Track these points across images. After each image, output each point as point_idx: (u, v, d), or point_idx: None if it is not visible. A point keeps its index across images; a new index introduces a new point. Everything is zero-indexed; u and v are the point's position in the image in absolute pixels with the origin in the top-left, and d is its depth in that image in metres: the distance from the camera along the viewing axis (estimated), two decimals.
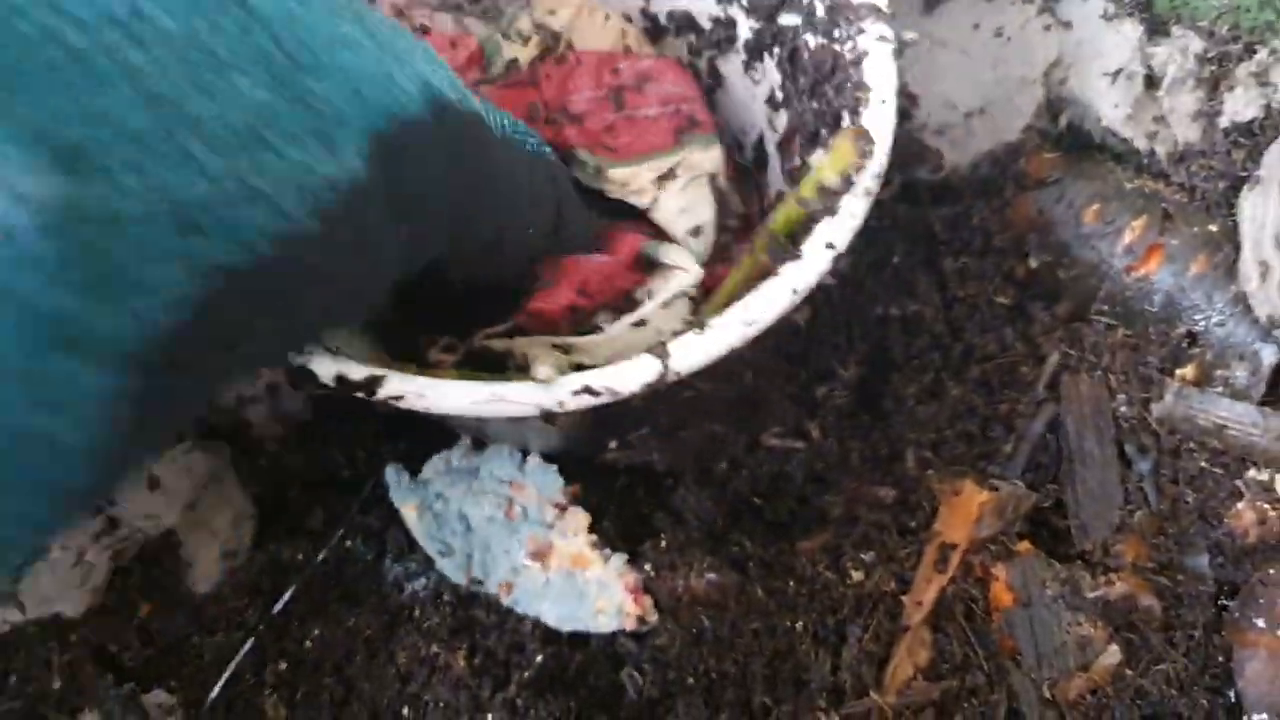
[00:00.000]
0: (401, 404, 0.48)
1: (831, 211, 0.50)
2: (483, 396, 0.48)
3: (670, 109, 0.67)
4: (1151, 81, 0.66)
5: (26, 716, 0.66)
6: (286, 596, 0.70)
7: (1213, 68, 0.67)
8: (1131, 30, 0.65)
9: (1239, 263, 0.61)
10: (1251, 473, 0.62)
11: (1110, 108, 0.65)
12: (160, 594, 0.70)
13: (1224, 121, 0.66)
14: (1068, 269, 0.66)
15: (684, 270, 0.62)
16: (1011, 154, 0.68)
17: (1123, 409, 0.65)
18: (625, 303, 0.62)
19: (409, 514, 0.68)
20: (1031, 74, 0.67)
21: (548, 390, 0.48)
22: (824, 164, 0.52)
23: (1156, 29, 0.68)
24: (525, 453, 0.69)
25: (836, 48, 0.57)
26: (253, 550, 0.71)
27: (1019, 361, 0.67)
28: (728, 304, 0.51)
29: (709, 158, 0.66)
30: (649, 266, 0.63)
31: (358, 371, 0.48)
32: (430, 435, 0.70)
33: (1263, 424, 0.61)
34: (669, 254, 0.62)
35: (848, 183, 0.51)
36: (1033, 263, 0.67)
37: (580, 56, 0.66)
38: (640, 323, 0.60)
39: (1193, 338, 0.64)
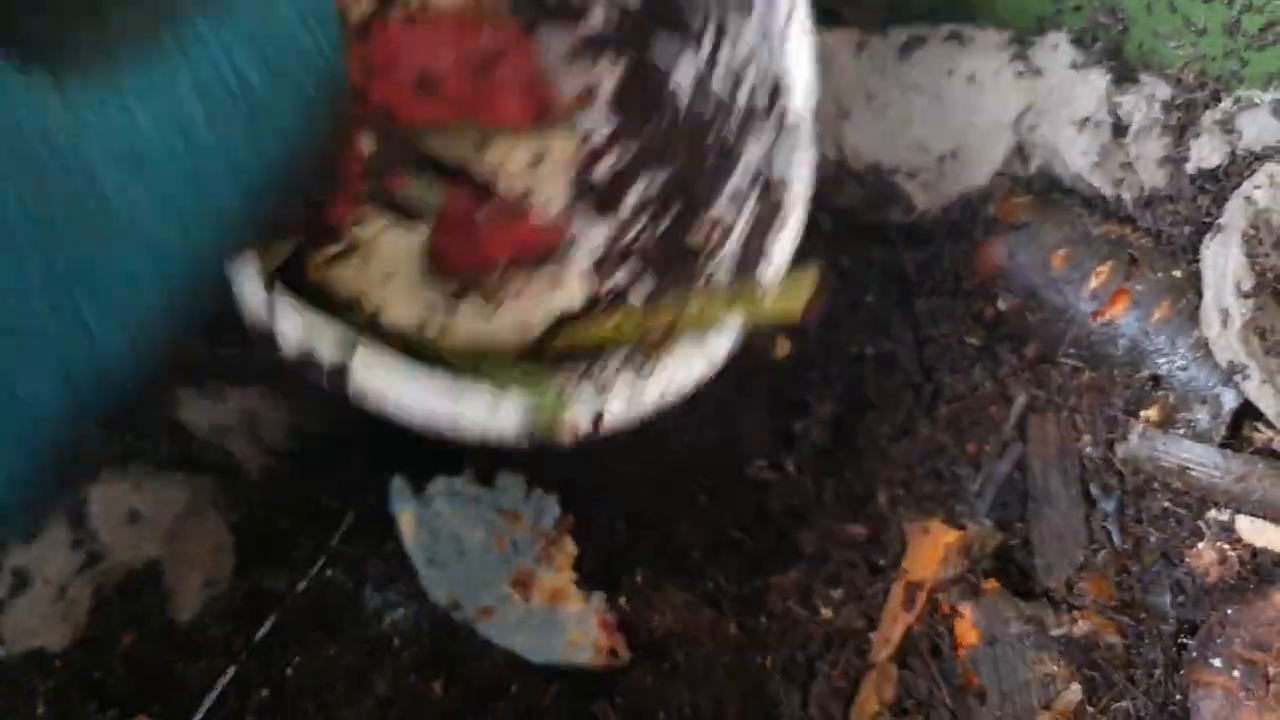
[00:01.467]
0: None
1: None
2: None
3: (520, 90, 0.66)
4: (1119, 129, 0.68)
5: None
6: (268, 625, 0.71)
7: (1180, 115, 0.69)
8: (1099, 79, 0.67)
9: (1201, 309, 0.63)
10: (1212, 513, 0.64)
11: (1078, 155, 0.67)
12: (142, 623, 0.71)
13: (1190, 168, 0.68)
14: (1035, 312, 0.68)
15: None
16: (982, 198, 0.70)
17: (1088, 450, 0.66)
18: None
19: (405, 522, 0.69)
20: (1003, 120, 0.68)
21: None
22: (770, 296, 0.54)
23: (1125, 76, 0.70)
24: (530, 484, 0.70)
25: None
26: (234, 579, 0.72)
27: (988, 402, 0.68)
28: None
29: (569, 148, 0.67)
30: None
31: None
32: (423, 463, 0.72)
33: (1223, 466, 0.63)
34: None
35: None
36: (1002, 305, 0.68)
37: (442, 21, 0.64)
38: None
39: (1156, 381, 0.65)
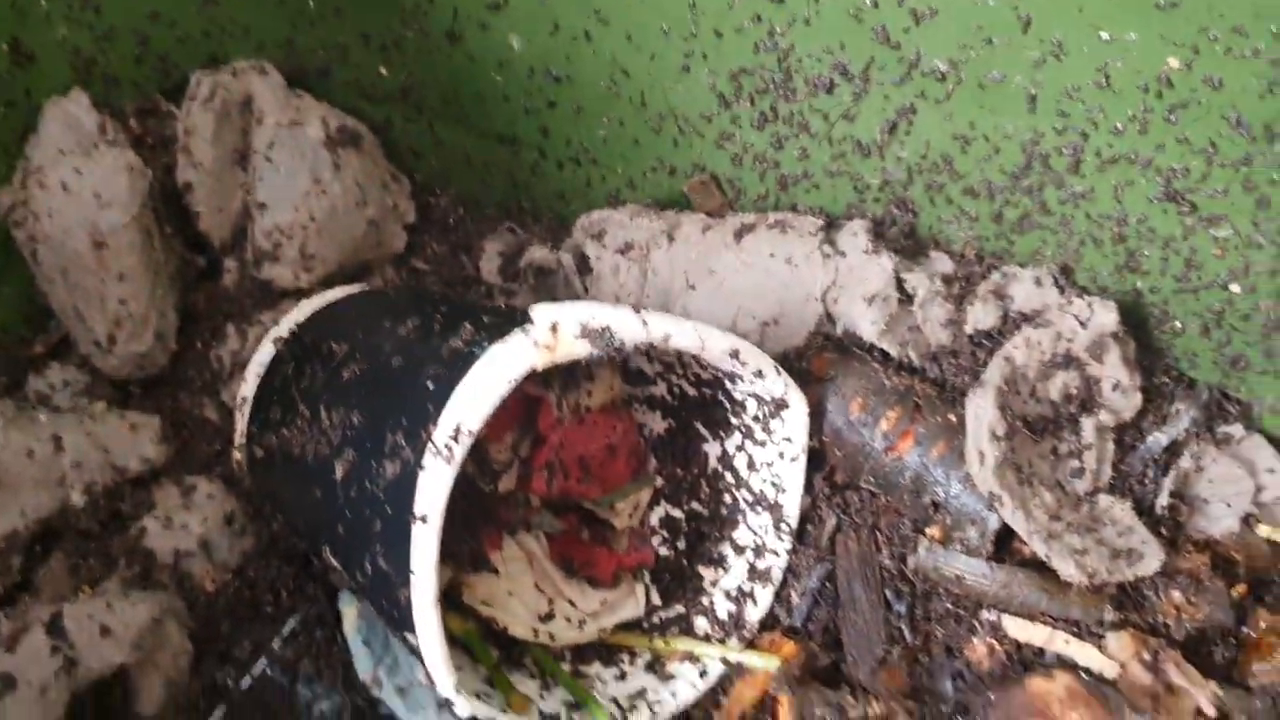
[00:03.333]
0: None
1: None
2: None
3: (629, 455, 0.86)
4: (906, 299, 0.83)
5: None
6: (217, 716, 0.85)
7: (960, 285, 0.84)
8: (888, 261, 0.82)
9: (965, 449, 0.78)
10: (984, 613, 0.78)
11: (868, 324, 0.82)
12: (111, 714, 0.84)
13: (969, 329, 0.83)
14: (840, 449, 0.83)
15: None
16: (798, 355, 0.85)
17: (885, 561, 0.81)
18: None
19: (348, 614, 0.83)
20: (814, 293, 0.83)
21: None
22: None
23: (916, 253, 0.86)
24: None
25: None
26: (191, 678, 0.86)
27: (805, 520, 0.83)
28: None
29: (645, 493, 0.86)
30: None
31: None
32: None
33: (990, 575, 0.77)
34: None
35: None
36: (814, 444, 0.83)
37: (595, 418, 0.83)
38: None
39: (936, 506, 0.80)
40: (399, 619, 0.65)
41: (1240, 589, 0.84)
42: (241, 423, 0.87)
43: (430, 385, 0.65)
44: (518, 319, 0.64)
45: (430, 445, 0.61)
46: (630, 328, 0.65)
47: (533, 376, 0.65)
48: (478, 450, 0.76)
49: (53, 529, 0.84)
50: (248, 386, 0.87)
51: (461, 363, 0.64)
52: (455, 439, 0.60)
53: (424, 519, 0.60)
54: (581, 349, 0.64)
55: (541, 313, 0.63)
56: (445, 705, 0.81)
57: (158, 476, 0.88)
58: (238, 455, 0.87)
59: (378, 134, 0.99)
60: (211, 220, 0.92)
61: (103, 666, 0.80)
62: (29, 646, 0.80)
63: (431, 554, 0.60)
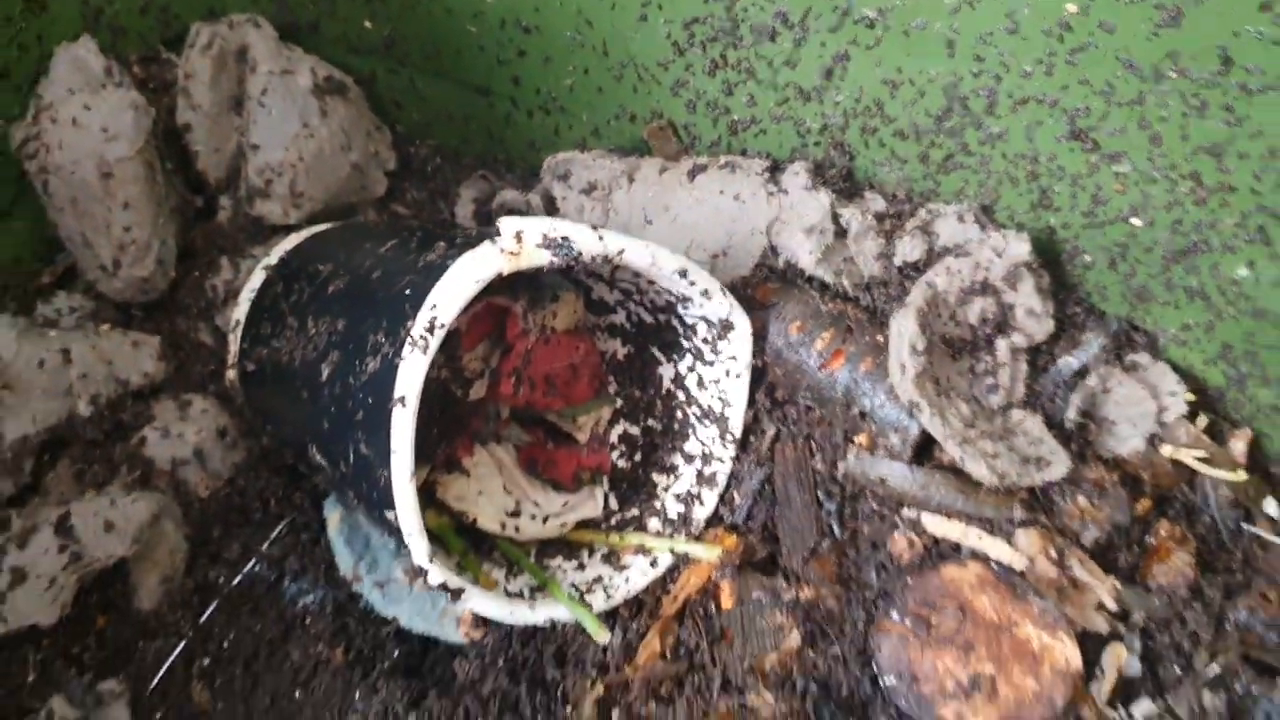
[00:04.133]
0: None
1: None
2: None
3: (592, 376, 0.94)
4: (841, 233, 0.91)
5: (8, 703, 0.87)
6: (210, 610, 0.92)
7: (891, 221, 0.93)
8: (825, 198, 0.91)
9: (889, 363, 0.86)
10: (905, 512, 0.86)
11: (807, 255, 0.90)
12: (113, 609, 0.91)
13: (898, 261, 0.91)
14: (780, 367, 0.91)
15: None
16: (744, 285, 0.93)
17: (818, 466, 0.89)
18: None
19: (332, 517, 0.90)
20: (759, 227, 0.92)
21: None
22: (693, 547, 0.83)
23: (854, 192, 0.94)
24: None
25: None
26: (185, 576, 0.93)
27: (748, 431, 0.91)
28: None
29: (605, 411, 0.94)
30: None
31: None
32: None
33: (911, 477, 0.86)
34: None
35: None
36: (757, 363, 0.91)
37: (560, 339, 0.91)
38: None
39: (864, 415, 0.88)
40: (379, 499, 0.73)
41: (1145, 503, 0.92)
42: (234, 344, 0.95)
43: (408, 291, 0.73)
44: (488, 234, 0.72)
45: (408, 338, 0.68)
46: (587, 240, 0.73)
47: (501, 288, 0.73)
48: (453, 360, 0.84)
49: (60, 437, 0.92)
50: (240, 310, 0.94)
51: (436, 271, 0.72)
52: (430, 331, 0.68)
53: (403, 401, 0.68)
54: (543, 257, 0.72)
55: (507, 224, 0.71)
56: (420, 574, 0.89)
57: (157, 392, 0.96)
58: (231, 374, 0.95)
59: (362, 86, 1.07)
60: (208, 159, 0.99)
61: (105, 558, 0.88)
62: (38, 543, 0.87)
63: (409, 433, 0.68)
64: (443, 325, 0.68)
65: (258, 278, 0.94)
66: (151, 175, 0.92)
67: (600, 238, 0.73)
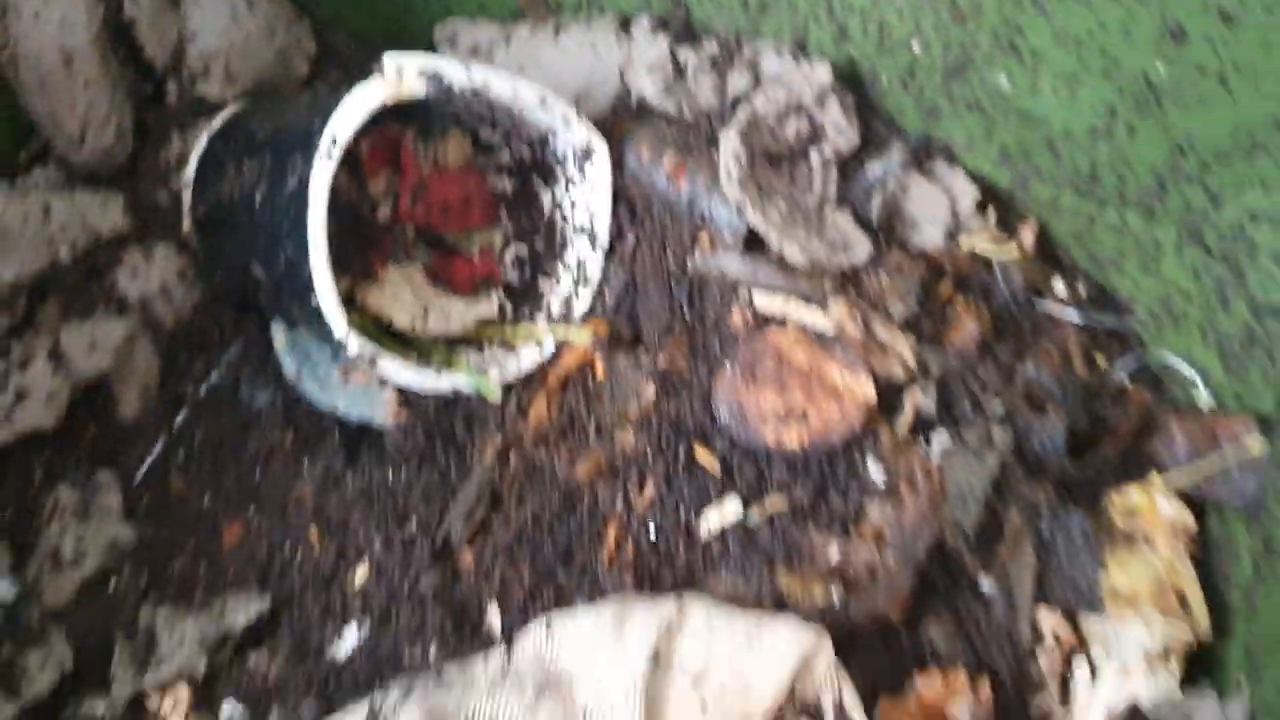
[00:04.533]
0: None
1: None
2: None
3: (484, 207, 1.12)
4: (680, 72, 1.11)
5: (22, 498, 1.07)
6: (182, 415, 1.12)
7: (723, 59, 1.12)
8: (664, 42, 1.10)
9: (719, 172, 1.06)
10: (740, 294, 1.07)
11: (652, 90, 1.10)
12: (100, 419, 1.11)
13: (729, 92, 1.11)
14: (636, 187, 1.10)
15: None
16: (604, 121, 1.13)
17: (671, 265, 1.09)
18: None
19: (279, 335, 1.09)
20: (612, 71, 1.11)
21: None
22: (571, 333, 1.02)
23: (693, 39, 1.14)
24: None
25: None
26: (158, 390, 1.13)
27: (613, 240, 1.11)
28: None
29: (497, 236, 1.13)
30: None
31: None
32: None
33: (742, 266, 1.06)
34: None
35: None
36: (618, 184, 1.10)
37: (452, 174, 1.10)
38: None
39: (704, 220, 1.08)
40: (304, 289, 0.92)
41: (947, 288, 1.13)
42: (187, 200, 1.13)
43: (315, 123, 0.92)
44: (375, 70, 0.91)
45: (316, 154, 0.88)
46: (457, 73, 0.92)
47: (394, 121, 0.91)
48: (360, 186, 1.03)
49: (47, 280, 1.10)
50: (189, 171, 1.13)
51: (337, 104, 0.91)
52: (333, 144, 0.87)
53: (314, 203, 0.87)
54: (420, 87, 0.91)
55: (389, 59, 0.90)
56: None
57: (125, 242, 1.14)
58: (186, 225, 1.14)
59: None
60: (154, 49, 1.17)
61: (91, 371, 1.07)
62: (35, 366, 1.06)
63: (320, 222, 0.87)
64: (340, 142, 0.87)
65: (202, 143, 1.13)
66: (106, 59, 1.11)
67: (467, 71, 0.93)
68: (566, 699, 0.84)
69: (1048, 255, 1.17)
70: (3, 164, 1.16)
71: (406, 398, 1.06)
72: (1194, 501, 1.06)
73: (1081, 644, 1.01)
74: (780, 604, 0.94)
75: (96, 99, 1.09)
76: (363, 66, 1.23)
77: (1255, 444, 0.98)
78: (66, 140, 1.11)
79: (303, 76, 1.25)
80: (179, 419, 1.10)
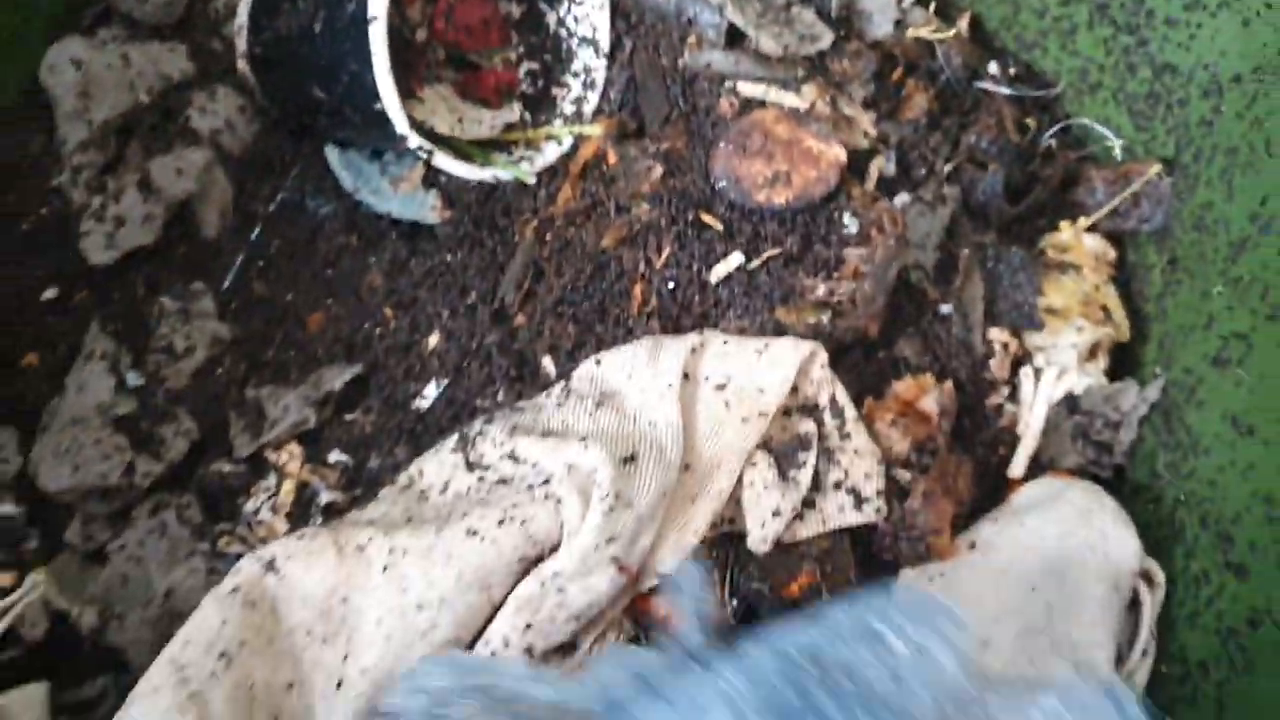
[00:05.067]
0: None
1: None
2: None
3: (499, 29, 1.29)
4: None
5: (130, 309, 1.25)
6: (257, 229, 1.30)
7: None
8: None
9: None
10: (726, 84, 1.26)
11: None
12: (189, 237, 1.29)
13: None
14: (635, 5, 1.29)
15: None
16: None
17: (664, 64, 1.28)
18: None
19: (332, 154, 1.27)
20: None
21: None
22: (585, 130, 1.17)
23: None
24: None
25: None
26: (234, 211, 1.31)
27: (614, 47, 1.29)
28: None
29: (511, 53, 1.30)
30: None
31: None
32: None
33: (726, 59, 1.25)
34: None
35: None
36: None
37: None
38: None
39: (690, 22, 1.27)
40: (368, 98, 1.10)
41: (899, 72, 1.32)
42: (240, 44, 1.30)
43: None
44: None
45: None
46: None
47: None
48: (400, 11, 1.20)
49: (130, 122, 1.28)
50: (240, 18, 1.30)
51: None
52: None
53: (374, 19, 1.05)
54: None
55: None
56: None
57: (190, 85, 1.31)
58: (241, 65, 1.31)
59: None
60: None
61: (180, 195, 1.24)
62: (129, 196, 1.24)
63: (383, 39, 1.05)
64: None
65: None
66: None
67: None
68: (619, 407, 1.05)
69: (982, 41, 1.36)
70: (70, 24, 1.32)
71: (449, 198, 1.25)
72: (1114, 237, 1.28)
73: (1026, 354, 1.23)
74: (780, 333, 1.14)
75: None
76: None
77: (1155, 171, 1.19)
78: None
79: None
80: (255, 233, 1.27)
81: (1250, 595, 0.99)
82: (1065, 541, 1.05)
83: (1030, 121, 1.33)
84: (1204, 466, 1.08)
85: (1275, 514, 0.98)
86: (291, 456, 1.16)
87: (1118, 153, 1.29)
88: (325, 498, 1.13)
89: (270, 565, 0.96)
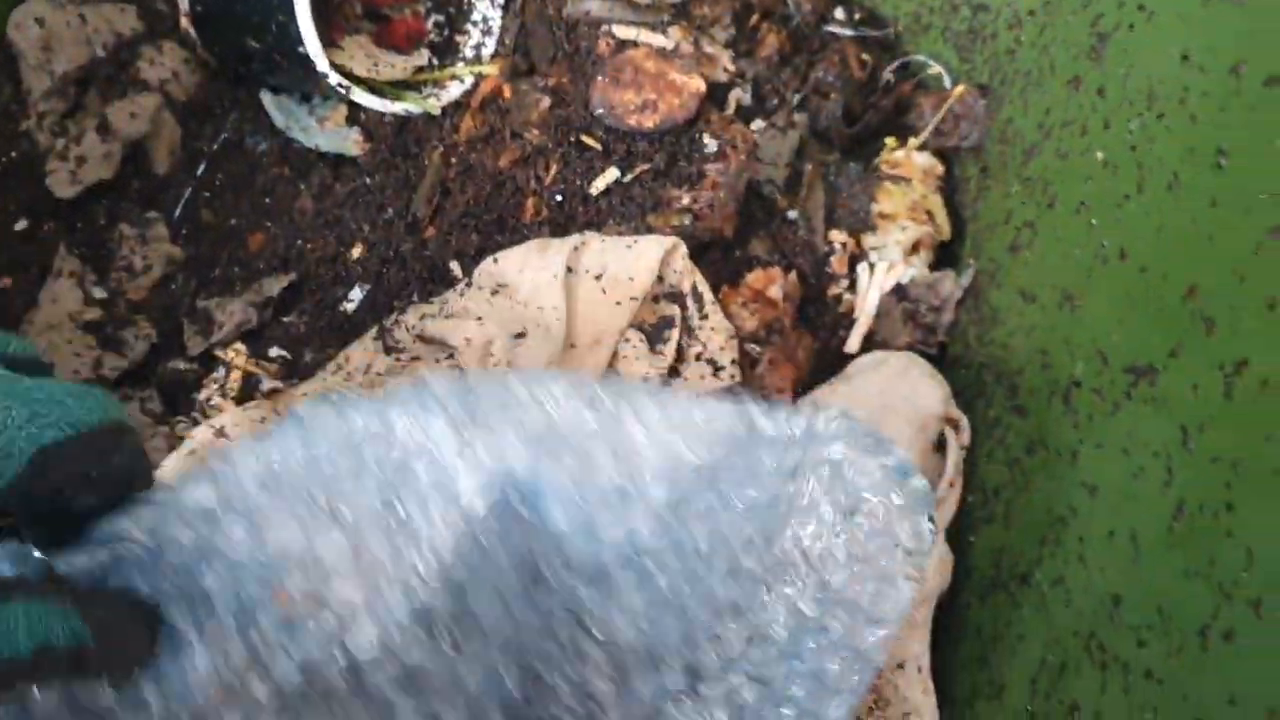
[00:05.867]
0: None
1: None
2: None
3: None
4: None
5: (93, 238, 1.44)
6: (203, 165, 1.49)
7: None
8: None
9: None
10: (603, 28, 1.46)
11: None
12: (142, 173, 1.48)
13: None
14: None
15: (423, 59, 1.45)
16: None
17: (550, 13, 1.48)
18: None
19: (267, 98, 1.47)
20: None
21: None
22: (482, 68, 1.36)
23: None
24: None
25: None
26: (181, 149, 1.50)
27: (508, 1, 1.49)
28: None
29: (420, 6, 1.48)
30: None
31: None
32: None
33: (601, 6, 1.46)
34: None
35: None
36: None
37: None
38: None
39: None
40: (294, 44, 1.29)
41: (756, 17, 1.53)
42: (183, 3, 1.49)
43: None
44: None
45: None
46: None
47: None
48: None
49: (88, 74, 1.46)
50: None
51: None
52: None
53: None
54: None
55: None
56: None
57: (140, 42, 1.50)
58: (184, 23, 1.50)
59: None
60: None
61: (135, 134, 1.43)
62: (89, 138, 1.42)
63: None
64: None
65: None
66: None
67: None
68: (512, 295, 1.26)
69: None
70: None
71: (368, 133, 1.45)
72: (942, 155, 1.49)
73: (862, 253, 1.45)
74: (650, 234, 1.35)
75: None
76: None
77: (959, 92, 1.41)
78: None
79: None
80: (200, 168, 1.46)
81: (1028, 429, 1.21)
82: (883, 395, 1.26)
83: (870, 58, 1.54)
84: (1000, 334, 1.30)
85: (1048, 363, 1.20)
86: (238, 353, 1.35)
87: (948, 83, 1.51)
88: (267, 385, 1.33)
89: (220, 431, 1.15)
